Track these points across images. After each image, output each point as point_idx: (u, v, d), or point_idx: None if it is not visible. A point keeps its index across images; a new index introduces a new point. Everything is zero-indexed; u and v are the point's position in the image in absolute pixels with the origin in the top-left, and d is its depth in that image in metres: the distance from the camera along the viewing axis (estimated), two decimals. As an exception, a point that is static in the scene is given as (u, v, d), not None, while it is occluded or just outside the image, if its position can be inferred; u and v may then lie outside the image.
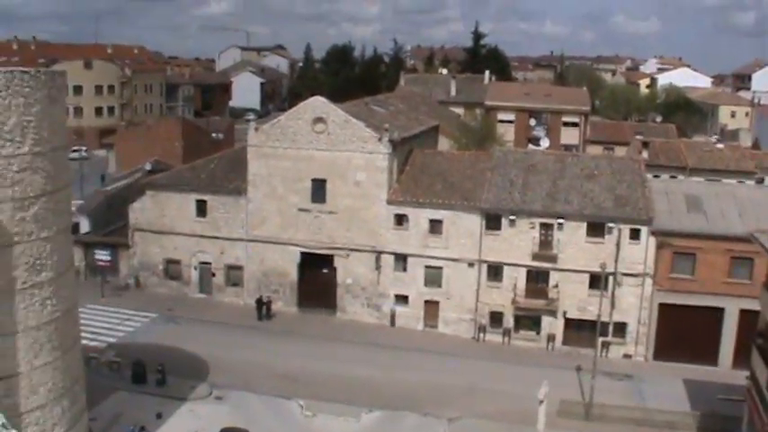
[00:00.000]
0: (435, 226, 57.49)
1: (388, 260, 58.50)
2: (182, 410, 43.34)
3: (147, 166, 74.71)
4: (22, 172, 29.13)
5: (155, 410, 42.22)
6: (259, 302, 59.40)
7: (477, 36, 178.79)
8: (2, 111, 28.43)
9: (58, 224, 31.54)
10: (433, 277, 58.13)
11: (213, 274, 62.78)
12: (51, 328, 31.01)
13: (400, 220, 57.94)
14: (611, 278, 52.33)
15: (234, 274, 62.57)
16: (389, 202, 57.75)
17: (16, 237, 29.18)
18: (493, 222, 56.50)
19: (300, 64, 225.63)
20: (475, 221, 56.56)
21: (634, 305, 55.37)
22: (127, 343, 52.22)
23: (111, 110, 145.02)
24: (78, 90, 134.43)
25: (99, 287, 61.58)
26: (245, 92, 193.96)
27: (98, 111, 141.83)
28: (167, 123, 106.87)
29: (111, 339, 53.00)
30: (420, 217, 57.55)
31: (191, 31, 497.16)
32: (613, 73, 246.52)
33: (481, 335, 57.32)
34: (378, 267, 58.65)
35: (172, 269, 63.94)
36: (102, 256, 63.41)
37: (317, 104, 59.14)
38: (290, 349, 52.87)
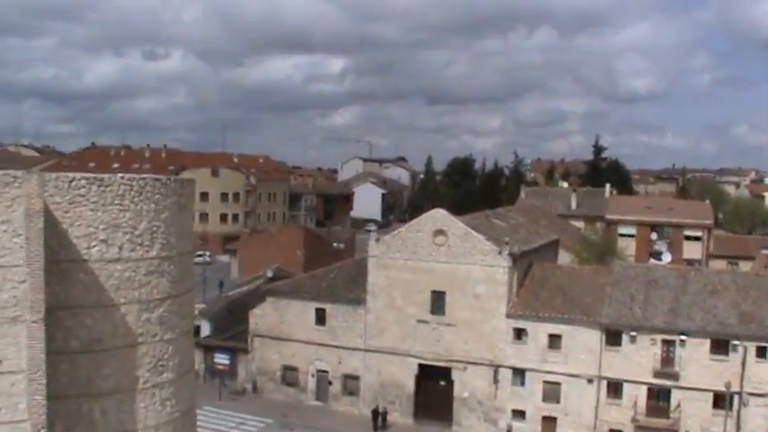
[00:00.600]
0: (554, 341, 56.68)
1: (505, 374, 57.77)
2: None
3: (269, 273, 75.98)
4: (150, 275, 30.04)
5: None
6: (375, 413, 59.12)
7: (598, 149, 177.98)
8: (134, 216, 29.54)
9: (181, 327, 32.25)
10: (552, 393, 57.05)
11: (330, 383, 62.94)
12: (170, 429, 31.45)
13: (519, 334, 57.35)
14: (736, 398, 50.46)
15: (350, 384, 62.60)
16: (508, 316, 57.30)
17: (140, 338, 29.96)
18: (613, 338, 55.43)
19: (421, 175, 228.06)
20: (594, 337, 55.58)
21: (761, 427, 53.06)
22: (241, 448, 52.50)
23: (235, 217, 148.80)
24: (205, 197, 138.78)
25: (217, 390, 62.41)
26: (367, 202, 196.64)
27: (223, 217, 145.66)
28: (290, 231, 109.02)
29: (227, 443, 53.39)
30: (539, 331, 56.86)
31: (314, 141, 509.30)
32: (737, 185, 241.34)
33: (599, 454, 55.74)
34: (495, 381, 57.94)
35: (289, 376, 64.41)
36: (222, 359, 64.37)
37: (438, 217, 59.60)
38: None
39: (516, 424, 57.88)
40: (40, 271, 27.28)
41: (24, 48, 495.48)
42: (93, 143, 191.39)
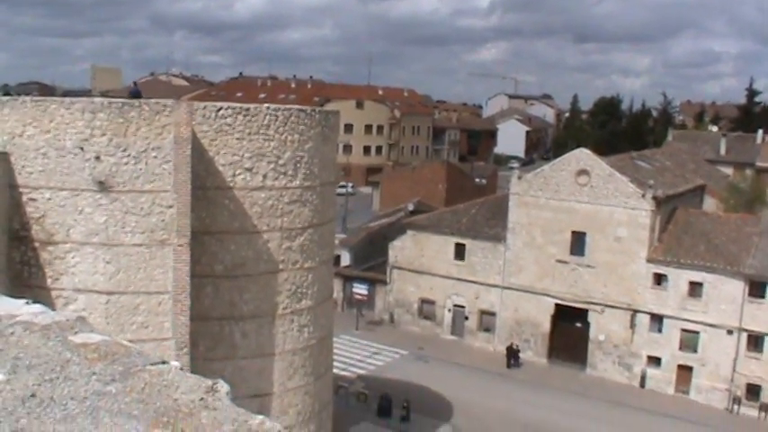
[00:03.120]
0: (695, 288, 55.27)
1: (643, 319, 56.81)
2: None
3: (410, 207, 76.48)
4: (292, 204, 30.76)
5: (397, 445, 42.98)
6: (509, 350, 59.23)
7: (752, 93, 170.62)
8: (278, 145, 30.20)
9: (321, 256, 32.97)
10: (689, 341, 55.81)
11: (466, 318, 63.26)
12: (306, 354, 32.36)
13: (659, 279, 56.17)
14: None
15: (486, 320, 62.79)
16: (649, 261, 56.16)
17: (281, 264, 30.79)
18: (757, 289, 53.63)
19: (567, 114, 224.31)
20: (737, 287, 53.93)
21: None
22: (376, 376, 53.51)
23: (378, 149, 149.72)
24: (349, 128, 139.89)
25: (354, 319, 63.53)
26: (510, 139, 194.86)
27: (366, 149, 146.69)
28: (432, 166, 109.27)
29: (361, 371, 54.51)
30: (680, 278, 55.54)
31: (460, 76, 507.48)
32: None
33: (735, 407, 54.34)
34: (632, 326, 57.11)
35: (426, 309, 65.02)
36: (360, 289, 65.40)
37: (582, 156, 58.65)
38: (535, 400, 52.33)
39: (651, 371, 57.02)
40: (186, 197, 28.26)
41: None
42: (240, 73, 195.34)
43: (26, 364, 2.07)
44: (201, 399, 1.92)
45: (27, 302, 2.65)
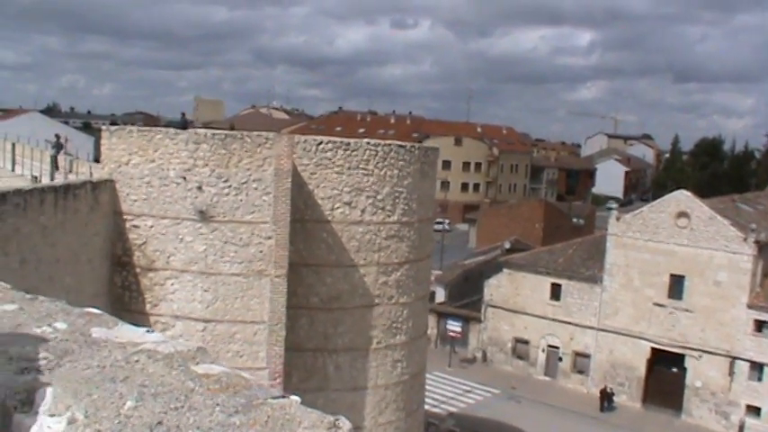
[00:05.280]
0: (799, 338, 53.59)
1: (742, 367, 55.21)
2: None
3: (507, 245, 76.03)
4: (390, 239, 30.87)
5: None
6: (603, 393, 58.17)
7: None
8: (377, 180, 30.39)
9: (417, 291, 32.95)
10: (791, 392, 54.07)
11: (560, 359, 62.44)
12: (399, 390, 32.29)
13: (760, 326, 54.56)
14: None
15: (581, 362, 61.85)
16: (750, 306, 54.64)
17: (377, 299, 30.87)
18: None
19: (667, 155, 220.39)
20: (843, 339, 52.10)
21: None
22: (467, 414, 53.08)
23: (476, 186, 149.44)
24: (447, 165, 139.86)
25: (447, 356, 63.22)
26: (609, 179, 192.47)
27: (464, 186, 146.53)
28: (530, 204, 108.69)
29: (453, 408, 54.15)
30: (783, 326, 53.92)
31: (558, 114, 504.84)
32: None
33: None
34: (731, 373, 55.55)
35: (519, 348, 64.38)
36: (454, 326, 65.08)
37: (682, 198, 57.60)
38: (629, 446, 51.28)
39: (750, 420, 55.24)
40: (285, 228, 28.60)
41: (280, 16, 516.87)
42: (340, 108, 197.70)
43: (152, 393, 2.11)
44: (325, 435, 1.93)
45: (148, 331, 2.71)
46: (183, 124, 38.50)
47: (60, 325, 2.68)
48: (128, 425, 1.93)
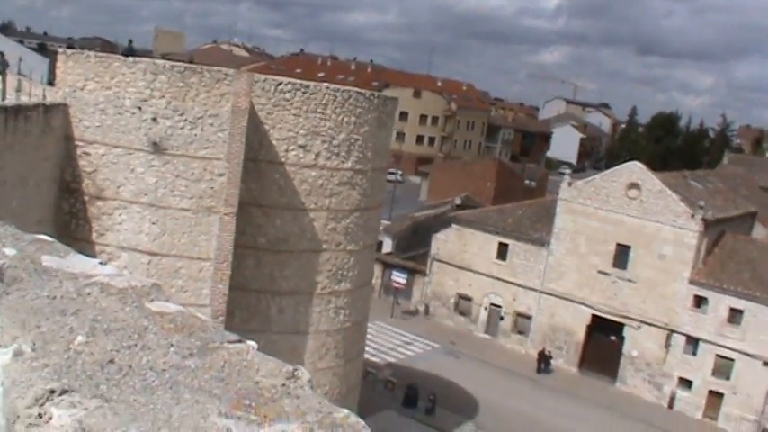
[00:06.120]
0: (735, 315, 54.40)
1: (678, 340, 56.12)
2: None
3: (457, 201, 76.15)
4: (342, 186, 30.76)
5: (418, 437, 42.87)
6: (541, 355, 58.85)
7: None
8: (334, 126, 30.20)
9: (365, 240, 32.96)
10: (723, 368, 55.00)
11: (501, 318, 62.97)
12: (340, 336, 32.40)
13: (699, 302, 55.41)
14: None
15: (521, 322, 62.44)
16: (691, 282, 55.43)
17: (324, 244, 30.83)
18: (800, 324, 52.82)
19: (623, 125, 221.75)
20: (780, 319, 53.11)
21: None
22: (405, 366, 53.48)
23: (431, 140, 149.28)
24: (404, 116, 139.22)
25: (390, 307, 63.46)
26: (564, 144, 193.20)
27: (419, 139, 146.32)
28: (484, 163, 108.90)
29: (391, 359, 54.51)
30: (720, 303, 54.74)
31: (519, 76, 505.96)
32: None
33: (765, 439, 53.69)
34: (667, 346, 56.46)
35: (462, 304, 64.78)
36: (399, 278, 65.19)
37: (635, 170, 58.01)
38: (562, 408, 51.97)
39: (681, 392, 56.31)
40: (238, 167, 28.39)
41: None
42: (301, 50, 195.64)
43: (104, 328, 2.02)
44: (283, 384, 1.85)
45: (101, 262, 2.61)
46: (129, 52, 37.82)
47: (9, 251, 2.57)
48: (77, 361, 1.84)
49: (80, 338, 1.94)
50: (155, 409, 1.66)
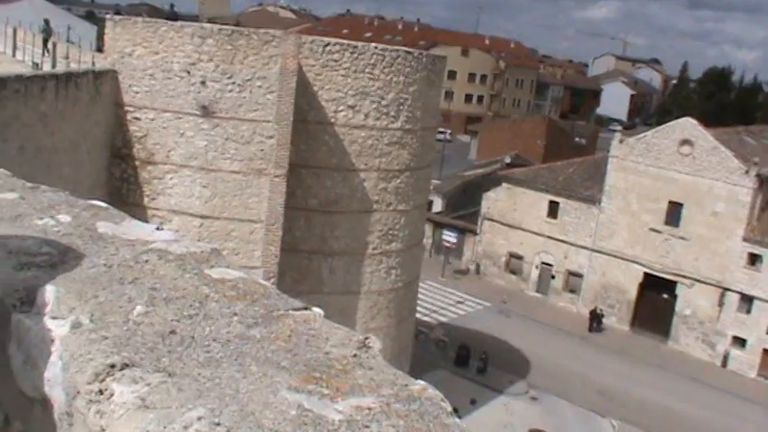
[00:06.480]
0: (792, 273, 53.64)
1: (732, 298, 55.44)
2: (496, 402, 43.80)
3: (507, 159, 75.72)
4: (391, 146, 30.64)
5: (470, 396, 42.83)
6: (593, 313, 58.55)
7: None
8: (383, 86, 30.04)
9: (415, 200, 32.87)
10: (779, 326, 54.34)
11: (553, 277, 62.68)
12: (391, 296, 32.43)
13: (753, 259, 54.60)
14: None
15: (573, 281, 62.11)
16: (745, 239, 54.58)
17: (375, 205, 30.80)
18: None
19: (674, 81, 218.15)
20: (838, 277, 52.20)
21: None
22: (457, 325, 53.49)
23: (480, 99, 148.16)
24: (452, 75, 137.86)
25: (441, 266, 63.43)
26: (614, 101, 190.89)
27: (468, 98, 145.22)
28: (533, 120, 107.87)
29: (443, 318, 54.54)
30: (776, 260, 53.96)
31: (568, 32, 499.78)
32: None
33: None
34: (720, 304, 55.81)
35: (513, 263, 64.58)
36: (450, 237, 65.08)
37: (687, 126, 57.13)
38: (613, 367, 51.72)
39: (734, 351, 55.66)
40: (288, 128, 28.37)
41: None
42: (348, 10, 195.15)
43: (163, 297, 1.93)
44: (355, 355, 1.75)
45: (157, 228, 2.52)
46: (172, 16, 37.81)
47: (64, 217, 2.49)
48: (137, 332, 1.75)
49: (139, 308, 1.85)
50: (221, 384, 1.57)
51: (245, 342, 1.75)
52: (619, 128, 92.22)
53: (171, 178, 29.36)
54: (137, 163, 29.65)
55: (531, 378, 47.69)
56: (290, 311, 1.94)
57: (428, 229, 60.10)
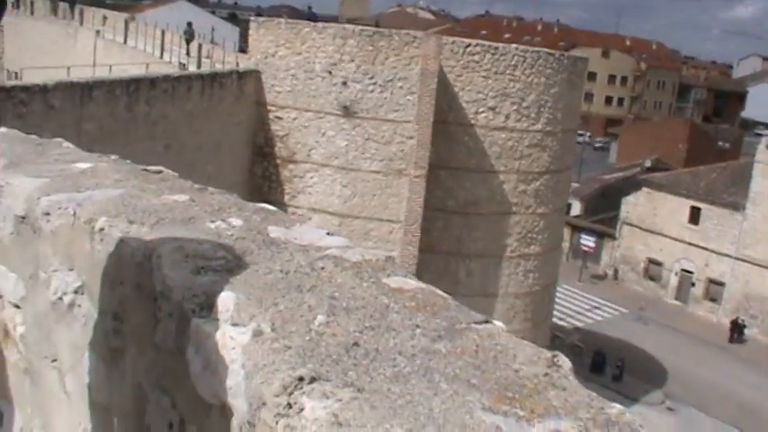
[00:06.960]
0: None
1: None
2: (631, 411, 42.69)
3: (647, 163, 74.23)
4: (532, 147, 30.38)
5: (607, 404, 41.95)
6: (734, 324, 56.62)
7: None
8: (523, 87, 29.80)
9: (555, 203, 32.49)
10: None
11: (693, 285, 61.00)
12: (528, 300, 32.14)
13: None
14: None
15: (714, 289, 60.28)
16: None
17: (514, 207, 30.59)
18: None
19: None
20: None
21: None
22: (593, 331, 52.66)
23: (620, 101, 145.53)
24: (592, 77, 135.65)
25: (578, 271, 62.55)
26: (761, 104, 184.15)
27: (608, 100, 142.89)
28: (675, 123, 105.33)
29: (579, 323, 53.78)
30: None
31: (711, 33, 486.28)
32: None
33: None
34: None
35: (652, 269, 63.18)
36: (588, 241, 64.08)
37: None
38: (755, 380, 49.83)
39: None
40: (428, 129, 28.42)
41: None
42: (486, 11, 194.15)
43: (344, 307, 1.88)
44: (546, 374, 1.66)
45: (328, 233, 2.49)
46: (311, 17, 38.44)
47: (235, 221, 2.48)
48: (320, 344, 1.71)
49: (320, 318, 1.80)
50: (413, 402, 1.51)
51: (432, 357, 1.69)
52: (766, 132, 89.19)
53: (311, 177, 29.79)
54: (278, 161, 30.19)
55: (667, 388, 46.53)
56: (473, 324, 1.87)
57: (566, 232, 59.29)
